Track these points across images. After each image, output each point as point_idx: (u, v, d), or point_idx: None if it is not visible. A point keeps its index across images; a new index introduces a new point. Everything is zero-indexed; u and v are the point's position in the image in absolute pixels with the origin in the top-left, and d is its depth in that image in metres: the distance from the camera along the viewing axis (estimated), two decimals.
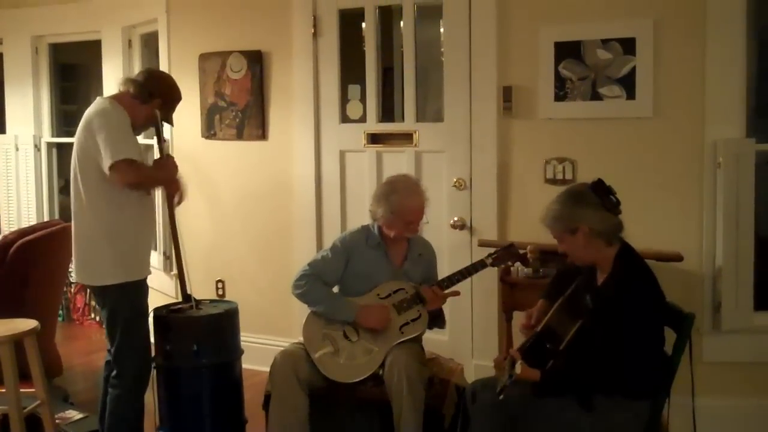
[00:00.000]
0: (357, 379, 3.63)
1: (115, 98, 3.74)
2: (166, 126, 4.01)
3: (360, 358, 3.65)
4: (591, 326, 3.01)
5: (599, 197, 3.05)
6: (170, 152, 4.06)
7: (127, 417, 3.76)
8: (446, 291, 3.76)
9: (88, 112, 3.69)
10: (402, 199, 3.69)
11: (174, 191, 3.89)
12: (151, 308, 3.88)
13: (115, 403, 3.73)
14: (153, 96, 3.77)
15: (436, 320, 3.87)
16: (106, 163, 3.49)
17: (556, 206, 3.11)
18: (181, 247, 4.03)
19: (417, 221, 3.75)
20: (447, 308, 3.94)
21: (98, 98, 3.78)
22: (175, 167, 3.89)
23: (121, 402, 3.73)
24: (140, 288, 3.77)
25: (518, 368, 2.94)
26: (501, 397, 2.94)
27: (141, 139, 4.31)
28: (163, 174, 3.84)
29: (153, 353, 3.86)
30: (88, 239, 3.68)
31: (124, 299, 3.69)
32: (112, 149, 3.50)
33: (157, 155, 4.04)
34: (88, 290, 4.55)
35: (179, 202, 3.95)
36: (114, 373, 3.74)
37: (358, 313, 3.68)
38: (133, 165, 3.54)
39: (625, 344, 2.93)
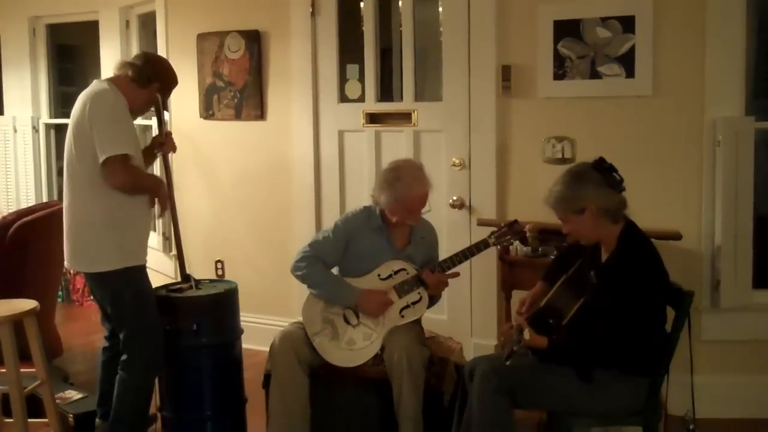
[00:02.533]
0: (356, 364, 3.63)
1: (112, 81, 3.65)
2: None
3: (359, 343, 3.64)
4: (594, 301, 3.02)
5: (602, 175, 3.05)
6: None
7: (135, 403, 3.70)
8: (447, 273, 3.70)
9: (86, 93, 3.60)
10: (406, 187, 3.61)
11: (161, 198, 3.78)
12: None
13: (124, 387, 3.67)
14: (151, 80, 3.71)
15: (432, 297, 3.80)
16: (101, 156, 3.45)
17: (559, 188, 3.08)
18: (179, 226, 4.02)
19: (420, 209, 3.68)
20: (446, 288, 3.87)
21: (95, 81, 3.71)
22: (161, 183, 3.83)
23: (130, 387, 3.67)
24: (140, 273, 3.70)
25: (527, 334, 2.95)
26: (508, 362, 2.95)
27: (139, 120, 4.30)
28: (151, 183, 3.79)
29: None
30: (84, 223, 3.60)
31: (124, 285, 3.62)
32: (107, 142, 3.44)
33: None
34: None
35: (161, 213, 3.81)
36: (124, 357, 3.67)
37: (358, 298, 3.65)
38: (125, 165, 3.48)
39: (627, 320, 2.95)
